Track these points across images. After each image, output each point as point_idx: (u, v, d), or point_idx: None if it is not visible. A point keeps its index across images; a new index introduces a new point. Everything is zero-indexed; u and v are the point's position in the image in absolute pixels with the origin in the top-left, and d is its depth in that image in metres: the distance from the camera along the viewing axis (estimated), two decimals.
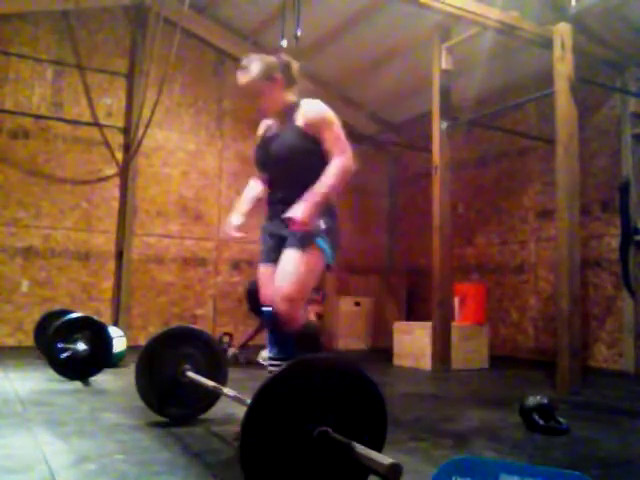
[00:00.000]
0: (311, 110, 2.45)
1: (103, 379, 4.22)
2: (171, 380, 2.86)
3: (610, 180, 5.81)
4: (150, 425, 2.83)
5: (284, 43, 3.52)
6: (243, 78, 2.49)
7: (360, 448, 1.56)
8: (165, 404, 2.90)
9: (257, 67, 2.47)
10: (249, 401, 2.14)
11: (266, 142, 2.57)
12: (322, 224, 2.37)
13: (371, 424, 1.76)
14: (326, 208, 2.40)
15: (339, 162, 2.38)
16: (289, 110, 2.50)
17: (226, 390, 2.44)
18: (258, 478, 1.59)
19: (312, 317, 2.55)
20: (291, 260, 2.33)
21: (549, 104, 5.11)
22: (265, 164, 2.56)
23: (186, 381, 2.81)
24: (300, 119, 2.45)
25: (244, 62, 2.50)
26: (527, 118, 6.73)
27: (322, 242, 2.36)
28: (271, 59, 2.52)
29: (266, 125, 2.66)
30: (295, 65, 2.57)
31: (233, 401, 2.41)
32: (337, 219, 2.51)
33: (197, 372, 2.79)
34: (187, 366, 2.85)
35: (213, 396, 2.95)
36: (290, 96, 2.54)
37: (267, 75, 2.47)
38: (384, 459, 1.46)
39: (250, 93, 2.50)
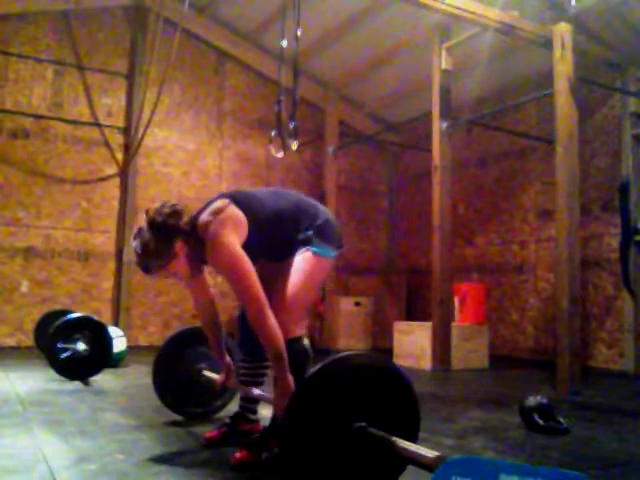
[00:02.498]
0: (210, 258, 2.20)
1: (103, 379, 4.22)
2: (187, 379, 2.89)
3: (610, 180, 5.81)
4: (150, 425, 2.83)
5: (284, 43, 3.50)
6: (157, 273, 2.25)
7: (402, 442, 1.58)
8: (182, 403, 2.93)
9: (153, 261, 2.20)
10: (268, 395, 2.17)
11: None
12: (309, 231, 2.31)
13: (404, 421, 1.77)
14: (305, 210, 2.36)
15: (250, 319, 2.10)
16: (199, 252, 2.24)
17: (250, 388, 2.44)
18: (298, 475, 1.61)
19: (305, 333, 2.42)
20: (293, 271, 2.30)
21: (549, 104, 5.11)
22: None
23: (202, 380, 2.83)
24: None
25: (138, 262, 2.26)
26: (527, 118, 6.73)
27: (316, 247, 2.30)
28: (153, 237, 2.17)
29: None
30: (179, 210, 2.21)
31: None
32: (322, 212, 2.40)
33: (213, 371, 2.80)
34: (203, 365, 2.87)
35: (229, 394, 2.99)
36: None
37: (167, 256, 2.18)
38: (429, 452, 1.48)
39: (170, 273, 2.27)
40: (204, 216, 2.21)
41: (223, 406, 3.03)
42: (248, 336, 2.36)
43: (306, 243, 2.31)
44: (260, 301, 2.07)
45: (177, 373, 2.89)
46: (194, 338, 2.90)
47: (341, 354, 1.72)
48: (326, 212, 2.45)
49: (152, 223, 2.18)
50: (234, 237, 2.14)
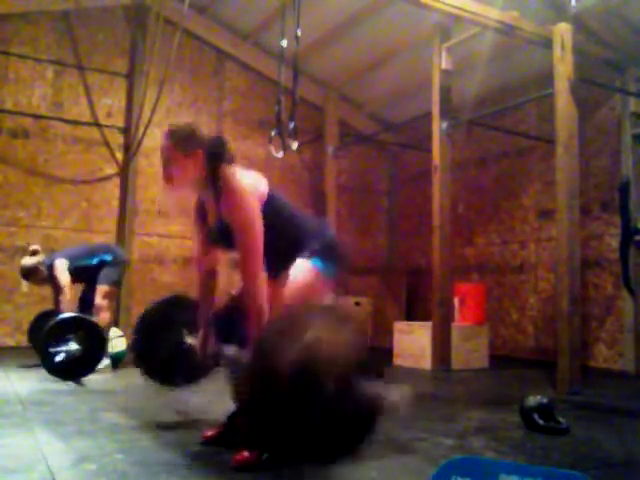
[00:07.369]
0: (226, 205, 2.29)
1: (103, 379, 4.22)
2: (171, 347, 2.83)
3: (610, 180, 5.81)
4: (150, 425, 2.83)
5: (284, 43, 3.51)
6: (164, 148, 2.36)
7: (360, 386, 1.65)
8: (167, 373, 2.87)
9: (177, 139, 2.34)
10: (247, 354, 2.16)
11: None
12: (315, 244, 2.35)
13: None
14: (312, 229, 2.40)
15: (244, 272, 2.20)
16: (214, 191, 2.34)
17: (225, 348, 2.44)
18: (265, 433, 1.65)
19: None
20: (291, 278, 2.31)
21: (549, 104, 5.11)
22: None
23: (185, 347, 2.77)
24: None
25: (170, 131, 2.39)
26: (527, 118, 6.73)
27: (318, 261, 2.33)
28: (196, 134, 2.39)
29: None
30: (222, 141, 2.45)
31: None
32: (328, 233, 2.47)
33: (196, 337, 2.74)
34: (185, 331, 2.81)
35: (213, 359, 2.90)
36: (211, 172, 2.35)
37: (185, 147, 2.33)
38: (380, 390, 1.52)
39: (164, 161, 2.37)
40: (231, 168, 2.34)
41: (208, 372, 2.90)
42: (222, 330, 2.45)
43: (309, 255, 2.33)
44: (259, 254, 2.17)
45: (160, 342, 2.83)
46: (179, 306, 2.86)
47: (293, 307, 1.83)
48: (332, 232, 2.54)
49: (174, 132, 2.35)
50: (254, 197, 2.26)
